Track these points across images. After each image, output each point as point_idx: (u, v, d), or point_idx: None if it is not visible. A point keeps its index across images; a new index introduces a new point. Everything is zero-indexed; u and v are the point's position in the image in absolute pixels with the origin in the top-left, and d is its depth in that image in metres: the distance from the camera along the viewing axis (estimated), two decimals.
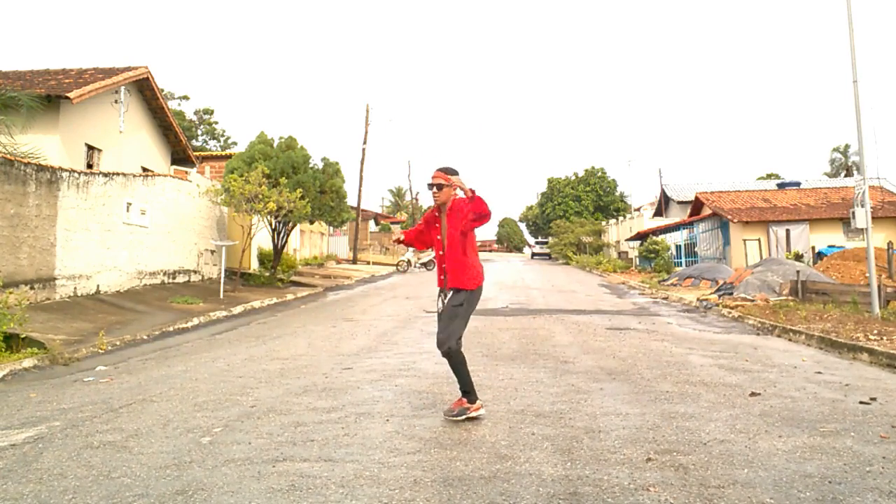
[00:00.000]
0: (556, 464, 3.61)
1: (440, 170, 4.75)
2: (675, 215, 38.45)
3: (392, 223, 60.04)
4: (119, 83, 16.79)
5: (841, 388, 5.72)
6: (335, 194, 20.31)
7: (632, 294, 18.07)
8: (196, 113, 48.68)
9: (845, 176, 46.70)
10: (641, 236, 33.65)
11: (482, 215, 4.47)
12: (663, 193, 42.59)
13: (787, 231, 24.15)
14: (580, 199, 53.14)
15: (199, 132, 48.21)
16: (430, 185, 4.73)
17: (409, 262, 30.29)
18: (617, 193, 53.99)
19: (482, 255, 60.13)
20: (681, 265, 28.89)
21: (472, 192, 4.37)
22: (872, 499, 3.11)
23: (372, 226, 53.21)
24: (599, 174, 54.05)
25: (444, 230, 4.72)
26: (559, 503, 3.06)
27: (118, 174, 13.99)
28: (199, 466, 3.61)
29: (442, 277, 4.72)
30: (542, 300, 15.54)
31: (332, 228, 38.94)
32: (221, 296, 14.95)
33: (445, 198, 4.71)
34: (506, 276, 25.29)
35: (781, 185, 34.27)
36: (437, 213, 4.84)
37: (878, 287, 11.08)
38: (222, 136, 49.24)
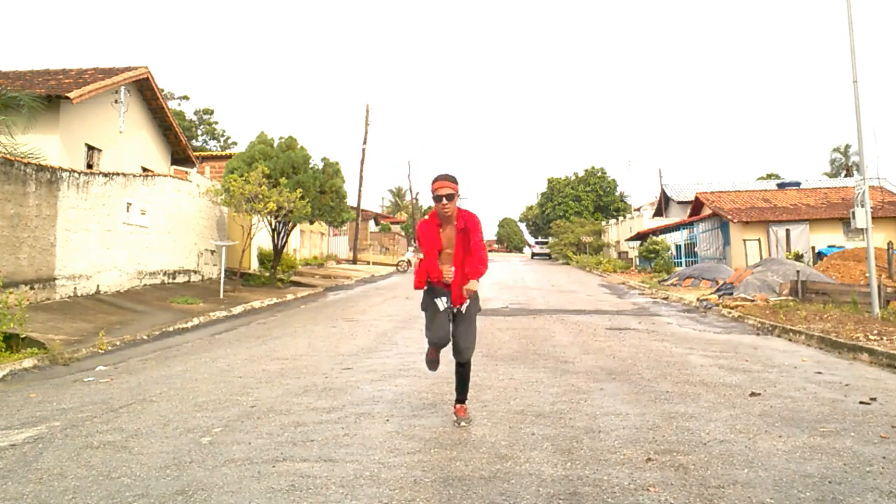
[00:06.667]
0: (556, 464, 3.61)
1: (445, 178, 4.25)
2: (675, 215, 38.46)
3: (392, 223, 60.04)
4: (119, 83, 16.79)
5: (841, 388, 5.72)
6: (335, 194, 20.32)
7: (632, 294, 18.07)
8: (196, 113, 48.72)
9: (845, 176, 46.71)
10: (641, 236, 33.64)
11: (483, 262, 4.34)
12: (663, 193, 42.60)
13: (787, 231, 24.16)
14: (580, 200, 53.15)
15: (199, 132, 48.23)
16: (439, 197, 4.20)
17: (409, 262, 30.32)
18: (617, 193, 54.05)
19: None
20: (681, 265, 28.88)
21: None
22: (872, 499, 3.11)
23: (372, 226, 53.23)
24: (599, 174, 54.09)
25: (452, 240, 4.35)
26: (559, 503, 3.07)
27: (118, 174, 13.99)
28: (199, 466, 3.61)
29: (448, 276, 4.38)
30: (542, 300, 15.54)
31: (332, 228, 38.93)
32: (221, 296, 14.95)
33: (454, 209, 4.29)
34: (506, 277, 25.28)
35: (781, 186, 34.28)
36: (438, 226, 4.39)
37: (878, 287, 11.08)
38: (222, 136, 49.29)
